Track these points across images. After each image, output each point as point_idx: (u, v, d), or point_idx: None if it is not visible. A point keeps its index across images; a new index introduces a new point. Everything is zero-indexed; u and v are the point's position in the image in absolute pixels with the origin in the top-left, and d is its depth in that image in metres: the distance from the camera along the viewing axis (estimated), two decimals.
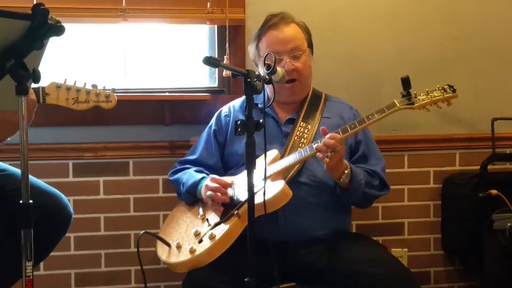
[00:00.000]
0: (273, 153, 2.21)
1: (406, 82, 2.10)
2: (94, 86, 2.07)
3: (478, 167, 2.76)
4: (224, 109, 2.45)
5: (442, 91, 2.15)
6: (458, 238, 2.83)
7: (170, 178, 2.42)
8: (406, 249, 2.90)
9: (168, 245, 2.18)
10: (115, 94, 2.09)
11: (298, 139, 2.25)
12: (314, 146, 2.10)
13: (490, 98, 2.93)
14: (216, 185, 2.16)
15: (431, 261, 2.94)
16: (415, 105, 2.13)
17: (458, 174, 2.86)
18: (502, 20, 2.92)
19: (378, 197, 2.31)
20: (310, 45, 2.34)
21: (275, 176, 2.14)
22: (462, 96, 2.92)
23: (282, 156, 2.21)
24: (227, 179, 2.26)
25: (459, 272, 2.95)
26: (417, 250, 2.92)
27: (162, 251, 2.19)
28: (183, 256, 2.10)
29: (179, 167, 2.42)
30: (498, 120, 2.80)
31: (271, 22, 2.29)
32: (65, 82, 2.05)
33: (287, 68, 2.22)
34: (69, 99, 2.05)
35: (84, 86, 2.07)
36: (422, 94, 2.14)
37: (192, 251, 2.07)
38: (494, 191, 2.67)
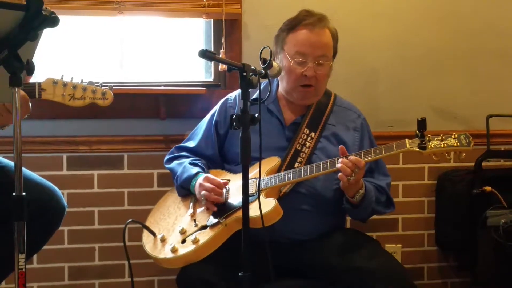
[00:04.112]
0: (273, 160, 2.19)
1: (421, 124, 1.99)
2: (91, 83, 2.06)
3: (473, 163, 2.77)
4: (230, 98, 2.37)
5: (457, 140, 1.99)
6: (452, 234, 2.84)
7: (166, 165, 2.39)
8: (400, 245, 2.91)
9: (154, 234, 2.18)
10: (111, 91, 2.08)
11: (299, 147, 2.22)
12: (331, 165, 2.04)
13: (485, 95, 2.94)
14: (211, 185, 2.13)
15: (425, 257, 2.95)
16: (426, 151, 1.99)
17: (453, 171, 2.87)
18: (498, 19, 2.93)
19: (383, 214, 2.31)
20: (335, 53, 2.28)
21: (270, 190, 2.12)
22: (458, 93, 2.95)
23: (282, 164, 2.19)
24: (223, 175, 2.25)
25: (452, 268, 2.96)
26: (411, 246, 2.93)
27: (147, 240, 2.20)
28: (164, 253, 2.10)
29: (176, 154, 2.39)
30: (493, 117, 2.81)
31: (307, 21, 2.20)
32: (61, 78, 2.03)
33: (309, 73, 2.17)
34: (65, 95, 2.03)
35: (81, 82, 2.05)
36: (435, 139, 2.00)
37: (173, 250, 2.07)
38: (488, 188, 2.68)
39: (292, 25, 2.23)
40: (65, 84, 2.03)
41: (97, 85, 2.11)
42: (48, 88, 2.01)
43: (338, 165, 2.02)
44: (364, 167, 2.04)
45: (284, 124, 2.28)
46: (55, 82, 2.01)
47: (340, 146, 2.09)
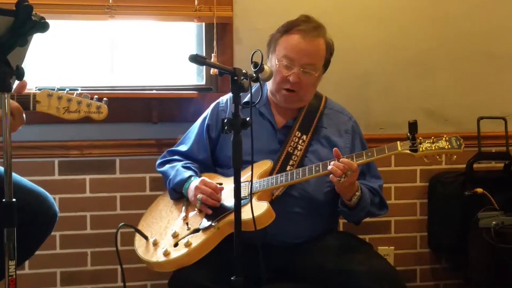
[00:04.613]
0: (265, 163, 2.19)
1: (413, 127, 2.00)
2: (86, 96, 2.05)
3: (464, 165, 2.79)
4: (222, 101, 2.37)
5: (448, 142, 2.00)
6: (444, 236, 2.85)
7: (158, 169, 2.39)
8: (393, 247, 2.92)
9: (146, 238, 2.18)
10: (106, 105, 2.07)
11: (291, 150, 2.22)
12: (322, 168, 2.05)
13: (476, 97, 2.95)
14: (209, 189, 2.13)
15: (418, 259, 2.96)
16: (417, 153, 2.00)
17: (444, 173, 2.88)
18: (488, 21, 2.94)
19: (377, 216, 2.32)
20: (327, 64, 2.27)
21: (263, 193, 2.12)
22: (449, 95, 2.96)
23: (274, 167, 2.19)
24: (216, 179, 2.25)
25: (445, 270, 2.97)
26: (404, 248, 2.94)
27: (139, 244, 2.19)
28: (156, 257, 2.09)
29: (168, 158, 2.39)
30: (483, 119, 2.82)
31: (302, 27, 2.19)
32: (56, 90, 2.02)
33: (292, 79, 2.17)
34: (60, 108, 2.02)
35: (76, 95, 2.04)
36: (427, 142, 2.01)
37: (166, 253, 2.07)
38: (479, 190, 2.69)
39: (287, 28, 2.23)
40: (60, 97, 2.01)
41: (92, 99, 2.09)
42: (43, 100, 1.99)
43: (330, 167, 2.03)
44: (358, 169, 2.05)
45: (276, 127, 2.29)
46: (50, 95, 1.99)
47: (334, 148, 2.09)
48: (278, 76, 2.20)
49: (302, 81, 2.19)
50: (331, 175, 2.03)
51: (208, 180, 2.17)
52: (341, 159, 2.04)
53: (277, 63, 2.20)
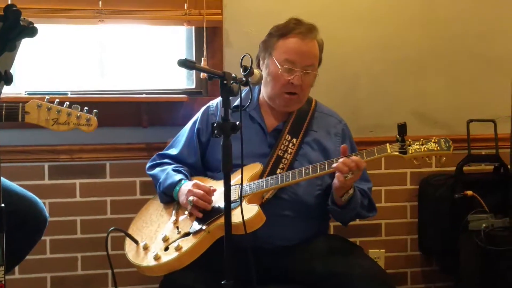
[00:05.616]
0: (255, 167, 2.19)
1: (402, 129, 2.02)
2: (75, 107, 2.03)
3: (454, 168, 2.80)
4: (212, 105, 2.38)
5: (437, 144, 2.01)
6: (435, 239, 2.86)
7: (148, 172, 2.38)
8: (383, 250, 2.93)
9: (136, 242, 2.17)
10: (96, 117, 2.06)
11: (281, 154, 2.23)
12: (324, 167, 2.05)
13: (466, 100, 2.96)
14: (201, 192, 2.12)
15: (408, 262, 2.97)
16: (407, 155, 2.02)
17: (435, 175, 2.89)
18: (478, 24, 2.96)
19: (365, 218, 2.32)
20: (320, 62, 2.30)
21: (253, 196, 2.13)
22: (439, 98, 2.98)
23: (264, 170, 2.19)
24: (206, 182, 2.25)
25: (435, 273, 2.98)
26: (394, 251, 2.95)
27: (129, 248, 2.19)
28: (147, 261, 2.09)
29: (158, 161, 2.38)
30: (473, 121, 2.84)
31: (299, 30, 2.21)
32: (46, 101, 2.01)
33: (296, 81, 2.19)
34: (49, 119, 1.99)
35: (65, 107, 2.02)
36: (416, 144, 2.02)
37: (156, 258, 2.06)
38: (469, 192, 2.70)
39: (283, 32, 2.24)
40: (49, 108, 1.99)
41: (81, 111, 2.07)
42: (32, 111, 1.97)
43: (334, 165, 2.02)
44: (363, 168, 2.05)
45: (266, 131, 2.29)
46: (39, 106, 1.97)
47: (342, 145, 2.10)
48: (279, 81, 2.21)
49: (304, 83, 2.21)
50: (337, 173, 2.03)
51: (201, 183, 2.17)
52: (351, 157, 2.03)
53: (279, 67, 2.20)
